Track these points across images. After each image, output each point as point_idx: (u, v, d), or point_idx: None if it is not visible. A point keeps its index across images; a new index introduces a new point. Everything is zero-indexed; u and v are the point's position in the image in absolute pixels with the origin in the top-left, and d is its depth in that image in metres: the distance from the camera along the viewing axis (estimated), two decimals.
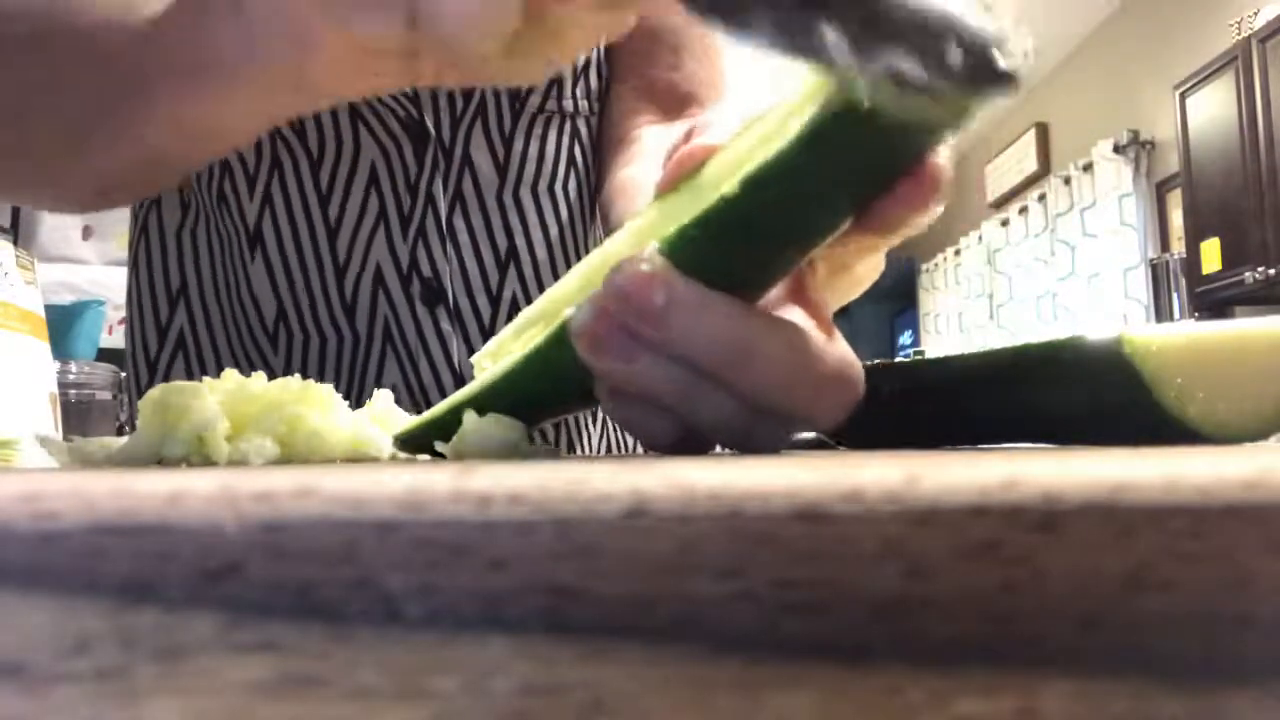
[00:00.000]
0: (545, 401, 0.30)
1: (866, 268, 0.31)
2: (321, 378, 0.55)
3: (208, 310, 0.58)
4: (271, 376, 0.55)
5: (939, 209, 0.25)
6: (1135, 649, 0.11)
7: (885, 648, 0.11)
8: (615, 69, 0.61)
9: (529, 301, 0.56)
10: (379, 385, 0.54)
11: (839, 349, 0.26)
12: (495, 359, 0.32)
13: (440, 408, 0.30)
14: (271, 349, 0.56)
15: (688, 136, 0.30)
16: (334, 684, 0.11)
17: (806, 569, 0.11)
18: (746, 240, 0.25)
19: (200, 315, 0.58)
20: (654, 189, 0.29)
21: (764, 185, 0.23)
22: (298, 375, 0.28)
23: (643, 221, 0.29)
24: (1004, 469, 0.11)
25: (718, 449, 0.28)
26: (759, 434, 0.26)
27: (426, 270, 0.55)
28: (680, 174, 0.28)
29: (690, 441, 0.26)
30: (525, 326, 0.32)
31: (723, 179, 0.26)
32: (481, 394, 0.30)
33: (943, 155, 0.24)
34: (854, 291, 0.33)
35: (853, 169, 0.24)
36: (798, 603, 0.11)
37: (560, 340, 0.28)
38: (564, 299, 0.30)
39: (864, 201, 0.24)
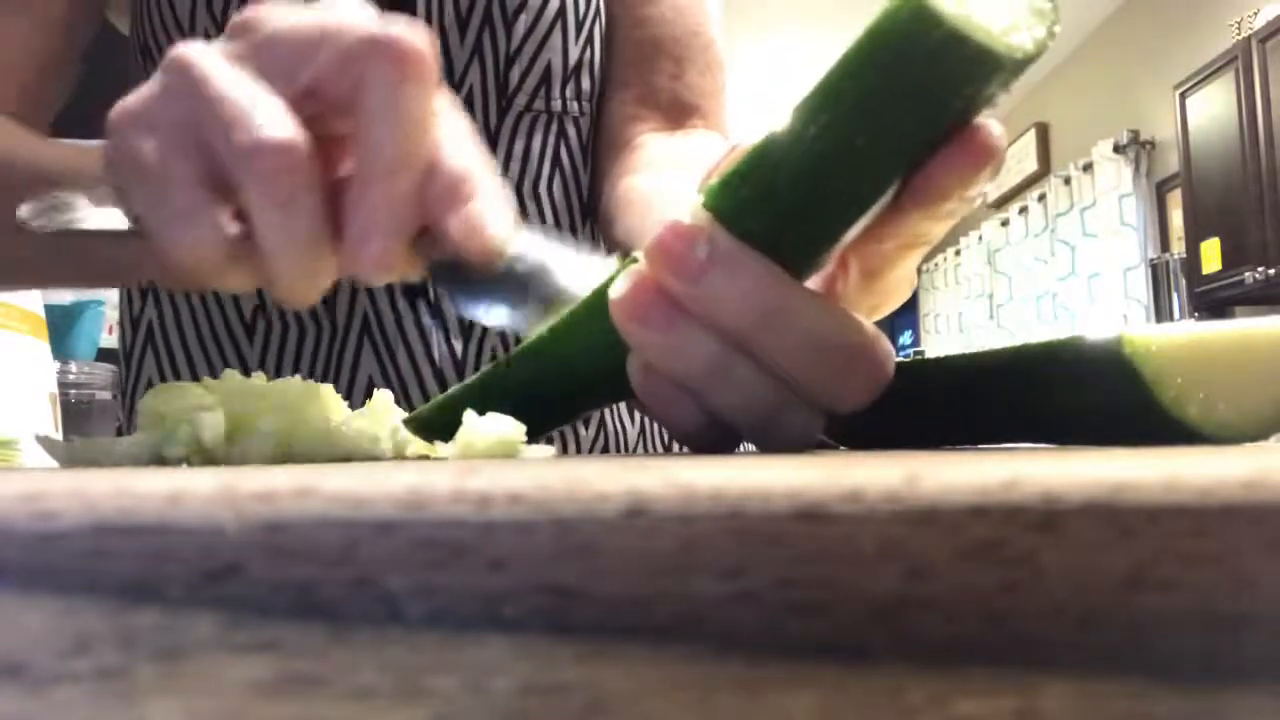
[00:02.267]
0: (559, 388, 0.30)
1: (898, 278, 0.31)
2: (297, 369, 0.55)
3: (176, 303, 0.58)
4: (244, 368, 0.55)
5: (988, 182, 0.25)
6: (1135, 649, 0.11)
7: (885, 648, 0.11)
8: (617, 75, 0.60)
9: None
10: (355, 377, 0.55)
11: (870, 324, 0.26)
12: None
13: (457, 389, 0.31)
14: (247, 340, 0.56)
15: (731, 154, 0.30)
16: (334, 684, 0.11)
17: (807, 569, 0.11)
18: (793, 185, 0.24)
19: (168, 308, 0.58)
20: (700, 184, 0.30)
21: (814, 111, 0.23)
22: (300, 376, 0.28)
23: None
24: (1004, 469, 0.11)
25: (742, 448, 0.28)
26: (787, 422, 0.25)
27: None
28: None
29: (716, 432, 0.26)
30: None
31: None
32: (499, 373, 0.30)
33: (995, 125, 0.24)
34: (884, 307, 0.33)
35: (903, 103, 0.23)
36: (798, 603, 0.11)
37: (581, 319, 0.27)
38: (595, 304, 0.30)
39: (912, 155, 0.24)
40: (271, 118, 0.26)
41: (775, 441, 0.26)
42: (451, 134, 0.29)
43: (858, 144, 0.24)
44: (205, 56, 0.27)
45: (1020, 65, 0.23)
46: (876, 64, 0.23)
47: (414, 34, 0.27)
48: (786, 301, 0.24)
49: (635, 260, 0.26)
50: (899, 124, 0.24)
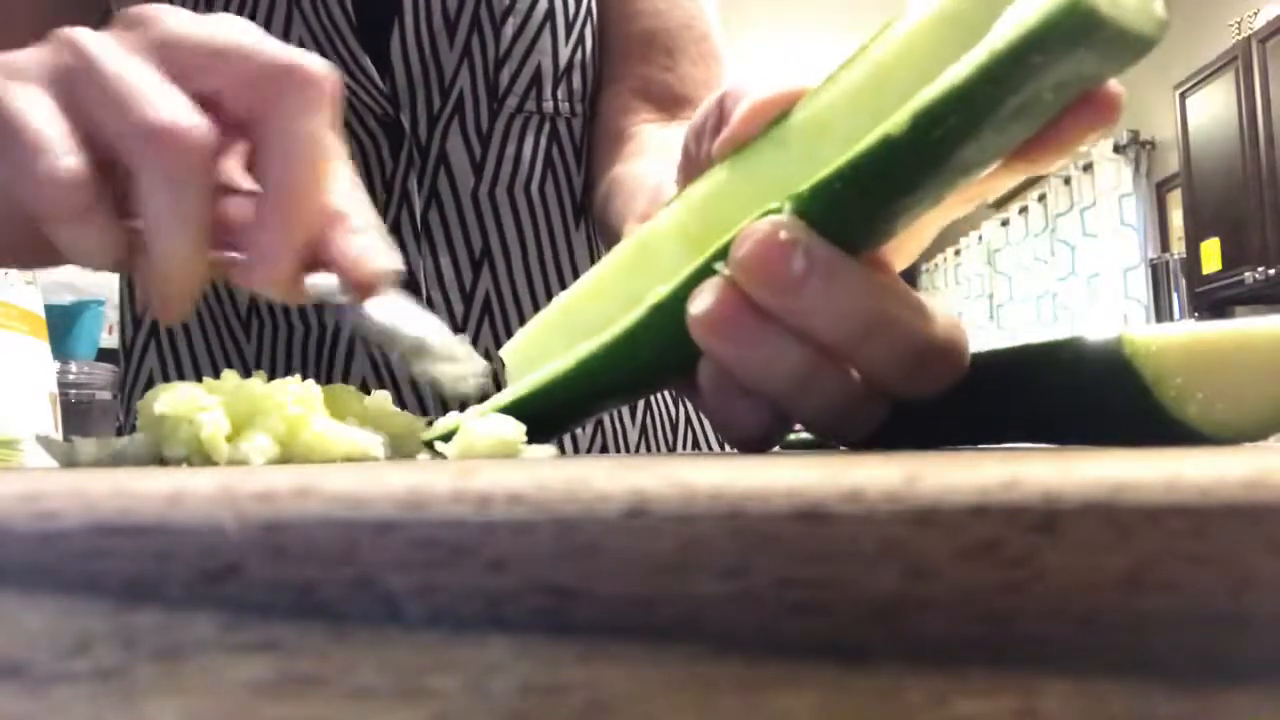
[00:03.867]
0: (609, 393, 0.29)
1: (928, 235, 0.30)
2: (289, 367, 0.55)
3: None
4: (244, 365, 0.55)
5: (1108, 131, 0.24)
6: (1135, 649, 0.11)
7: (885, 648, 0.11)
8: (610, 68, 0.61)
9: (502, 301, 0.57)
10: (348, 377, 0.55)
11: (943, 311, 0.25)
12: (524, 352, 0.32)
13: (498, 400, 0.30)
14: (245, 337, 0.56)
15: (720, 105, 0.29)
16: (334, 684, 0.11)
17: (807, 569, 0.11)
18: (902, 187, 0.23)
19: None
20: (715, 150, 0.28)
21: (944, 113, 0.22)
22: (308, 378, 0.28)
23: (704, 189, 0.28)
24: (1004, 469, 0.11)
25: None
26: (861, 418, 0.24)
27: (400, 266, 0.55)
28: (753, 129, 0.26)
29: (772, 433, 0.25)
30: (560, 316, 0.32)
31: (826, 126, 0.25)
32: (547, 387, 0.29)
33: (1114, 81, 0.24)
34: (903, 262, 0.31)
35: (1044, 98, 0.22)
36: (798, 602, 0.11)
37: (644, 328, 0.26)
38: (597, 288, 0.30)
39: (1031, 133, 0.24)
40: (173, 102, 0.25)
41: (844, 435, 0.25)
42: (340, 174, 0.30)
43: (987, 140, 0.23)
44: (99, 40, 0.26)
45: (1152, 44, 0.22)
46: (1026, 67, 0.22)
47: (320, 63, 0.27)
48: (884, 308, 0.23)
49: (715, 272, 0.24)
50: (1034, 116, 0.23)
